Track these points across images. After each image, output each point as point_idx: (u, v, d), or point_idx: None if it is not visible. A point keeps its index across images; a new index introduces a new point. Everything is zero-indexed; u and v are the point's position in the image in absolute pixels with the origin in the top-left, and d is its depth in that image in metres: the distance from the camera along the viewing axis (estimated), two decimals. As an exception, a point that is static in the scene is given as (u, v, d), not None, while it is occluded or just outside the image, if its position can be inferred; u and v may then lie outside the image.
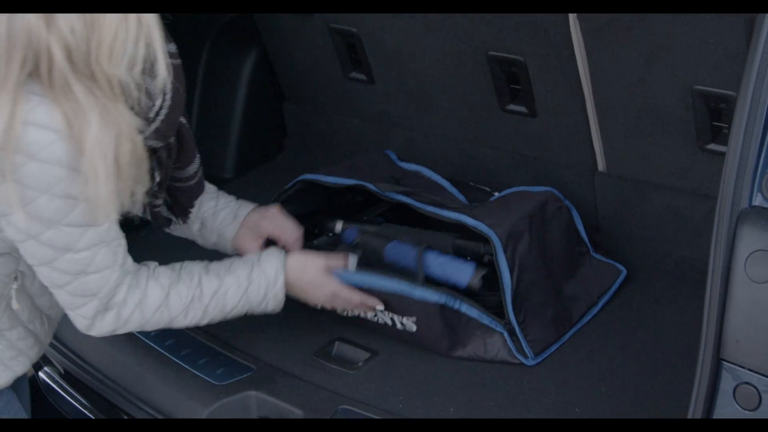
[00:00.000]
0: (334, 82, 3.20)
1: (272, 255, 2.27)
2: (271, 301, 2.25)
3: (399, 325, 2.43)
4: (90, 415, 2.61)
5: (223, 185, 2.54)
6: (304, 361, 2.45)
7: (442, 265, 2.44)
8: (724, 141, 2.33)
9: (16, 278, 2.03)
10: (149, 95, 1.92)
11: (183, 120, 2.14)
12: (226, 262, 2.24)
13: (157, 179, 2.11)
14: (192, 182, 2.27)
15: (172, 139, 2.09)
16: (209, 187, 2.46)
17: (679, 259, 2.68)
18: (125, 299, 2.06)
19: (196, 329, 2.59)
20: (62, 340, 2.68)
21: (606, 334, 2.49)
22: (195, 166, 2.25)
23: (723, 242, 1.63)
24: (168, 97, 1.96)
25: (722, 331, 1.64)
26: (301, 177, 2.73)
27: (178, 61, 2.04)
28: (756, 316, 1.60)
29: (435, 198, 2.62)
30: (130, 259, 2.07)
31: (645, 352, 2.40)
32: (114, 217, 1.91)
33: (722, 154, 1.70)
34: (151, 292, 2.10)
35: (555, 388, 2.30)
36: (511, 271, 2.38)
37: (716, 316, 1.64)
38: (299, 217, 2.57)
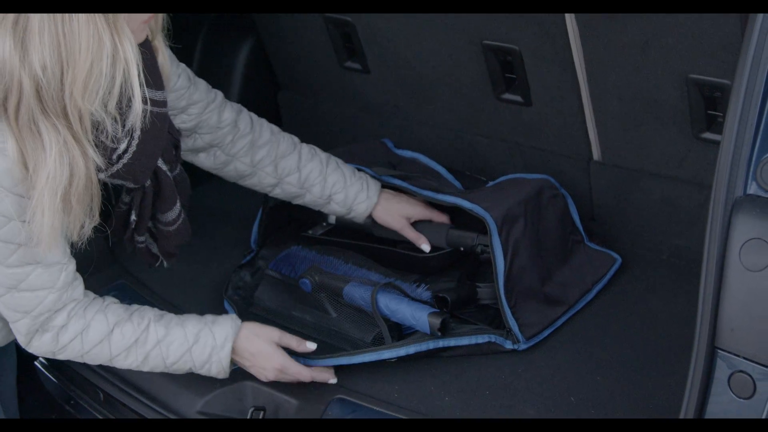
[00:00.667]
0: (330, 72, 3.20)
1: (227, 320, 2.23)
2: (215, 365, 2.20)
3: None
4: (83, 404, 2.61)
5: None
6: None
7: (396, 314, 2.38)
8: (719, 130, 2.34)
9: None
10: (114, 138, 1.90)
11: (164, 167, 2.12)
12: (182, 316, 2.22)
13: (133, 218, 2.13)
14: (172, 228, 2.24)
15: (148, 183, 2.09)
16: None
17: (674, 247, 2.68)
18: (66, 325, 2.06)
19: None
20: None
21: (601, 323, 2.49)
22: (174, 212, 2.22)
23: (718, 231, 1.63)
24: (135, 142, 1.94)
25: (717, 319, 1.64)
26: None
27: (164, 110, 2.03)
28: (751, 304, 1.61)
29: (431, 183, 2.62)
30: (80, 288, 2.09)
31: (640, 340, 2.40)
32: (56, 248, 1.91)
33: (717, 143, 1.70)
34: (94, 325, 2.09)
35: (550, 377, 2.31)
36: (505, 255, 2.39)
37: (711, 305, 1.64)
38: (294, 205, 2.58)
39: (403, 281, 2.50)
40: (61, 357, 2.11)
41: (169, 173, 2.15)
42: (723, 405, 1.66)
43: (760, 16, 1.62)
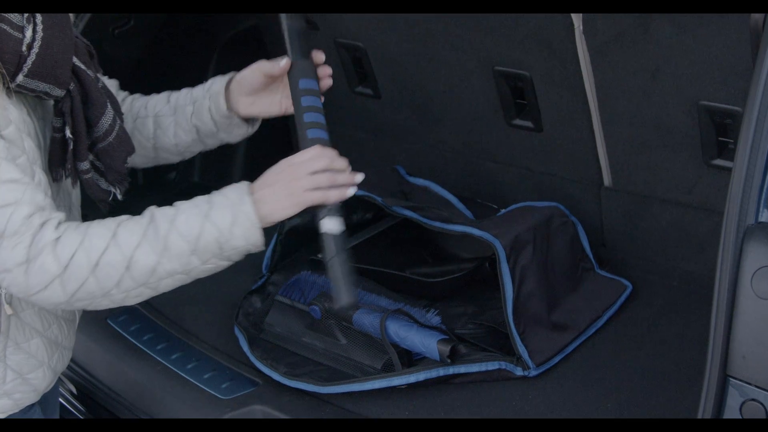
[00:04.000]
0: (341, 96, 3.21)
1: (234, 185, 1.90)
2: (242, 222, 1.83)
3: None
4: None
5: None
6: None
7: (405, 341, 2.37)
8: (730, 156, 2.34)
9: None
10: (12, 25, 1.75)
11: (81, 65, 1.93)
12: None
13: (68, 135, 1.90)
14: (111, 137, 1.99)
15: (72, 87, 1.90)
16: (182, 95, 2.21)
17: (685, 273, 2.68)
18: (59, 238, 1.75)
19: (202, 342, 2.60)
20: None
21: (611, 348, 2.49)
22: (108, 117, 1.98)
23: (729, 258, 1.63)
24: (39, 27, 1.79)
25: (729, 347, 1.63)
26: None
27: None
28: (762, 332, 1.60)
29: (442, 213, 2.63)
30: (63, 214, 1.82)
31: (650, 366, 2.40)
32: None
33: (728, 170, 1.70)
34: (93, 231, 1.78)
35: (561, 404, 2.30)
36: (513, 281, 2.39)
37: (723, 332, 1.64)
38: (309, 229, 2.58)
39: (412, 306, 2.50)
40: (72, 286, 1.76)
41: (89, 73, 1.96)
42: (735, 433, 1.66)
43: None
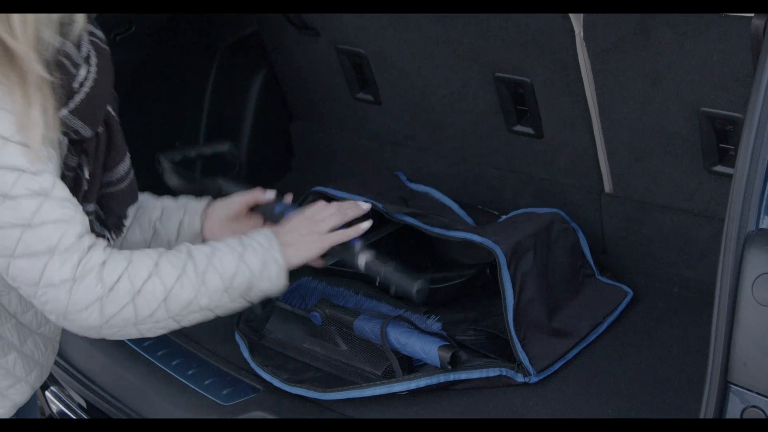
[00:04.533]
0: (342, 103, 3.21)
1: (260, 230, 2.06)
2: (271, 268, 1.98)
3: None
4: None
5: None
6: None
7: (406, 347, 2.37)
8: (731, 163, 2.34)
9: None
10: (72, 61, 1.80)
11: (112, 112, 1.99)
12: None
13: (86, 176, 1.93)
14: (124, 184, 2.04)
15: (100, 130, 1.94)
16: (151, 199, 2.28)
17: (685, 280, 2.68)
18: (106, 262, 1.79)
19: (203, 348, 2.60)
20: (67, 358, 2.68)
21: (612, 354, 2.49)
22: (126, 165, 2.03)
23: (730, 265, 1.63)
24: (93, 69, 1.84)
25: (730, 353, 1.63)
26: (314, 189, 2.74)
27: (107, 49, 1.92)
28: (763, 338, 1.60)
29: (442, 219, 2.63)
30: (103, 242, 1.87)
31: (651, 373, 2.40)
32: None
33: (729, 176, 1.70)
34: (137, 259, 1.84)
35: (561, 410, 2.30)
36: (513, 287, 2.39)
37: (723, 339, 1.64)
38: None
39: (413, 312, 2.50)
40: (110, 311, 1.79)
41: (116, 118, 2.01)
42: (736, 440, 1.66)
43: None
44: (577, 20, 2.42)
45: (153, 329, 1.87)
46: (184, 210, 2.25)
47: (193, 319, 1.90)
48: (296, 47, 3.19)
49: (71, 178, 1.92)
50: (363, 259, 2.16)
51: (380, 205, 2.63)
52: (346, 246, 2.15)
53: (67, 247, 1.75)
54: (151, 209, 2.25)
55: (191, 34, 3.21)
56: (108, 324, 1.79)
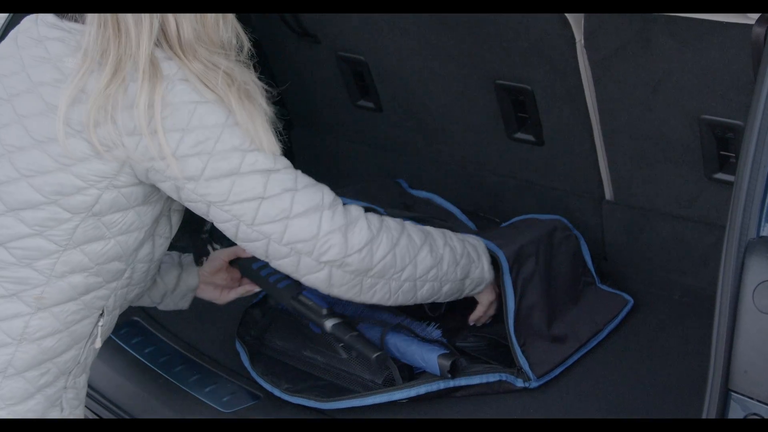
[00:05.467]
0: (342, 110, 3.21)
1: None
2: (483, 255, 2.33)
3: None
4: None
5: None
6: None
7: (405, 355, 2.38)
8: (732, 170, 2.34)
9: (102, 314, 2.03)
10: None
11: None
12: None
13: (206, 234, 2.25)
14: None
15: None
16: None
17: (686, 287, 2.68)
18: (367, 216, 2.06)
19: (203, 355, 2.60)
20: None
21: (612, 361, 2.49)
22: None
23: (731, 273, 1.63)
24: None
25: (730, 361, 1.63)
26: None
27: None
28: (764, 346, 1.60)
29: (444, 224, 2.62)
30: None
31: (651, 379, 2.39)
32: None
33: (729, 184, 1.70)
34: (387, 219, 2.12)
35: (561, 416, 2.30)
36: (515, 293, 2.39)
37: (724, 347, 1.63)
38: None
39: (413, 320, 2.50)
40: (380, 253, 2.05)
41: None
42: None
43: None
44: (577, 27, 2.42)
45: (396, 293, 2.12)
46: (180, 266, 2.43)
47: (427, 290, 2.17)
48: (296, 55, 3.19)
49: (202, 242, 2.39)
50: (329, 323, 2.36)
51: (382, 210, 2.63)
52: (312, 309, 2.38)
53: (332, 201, 2.01)
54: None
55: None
56: (373, 271, 2.05)
